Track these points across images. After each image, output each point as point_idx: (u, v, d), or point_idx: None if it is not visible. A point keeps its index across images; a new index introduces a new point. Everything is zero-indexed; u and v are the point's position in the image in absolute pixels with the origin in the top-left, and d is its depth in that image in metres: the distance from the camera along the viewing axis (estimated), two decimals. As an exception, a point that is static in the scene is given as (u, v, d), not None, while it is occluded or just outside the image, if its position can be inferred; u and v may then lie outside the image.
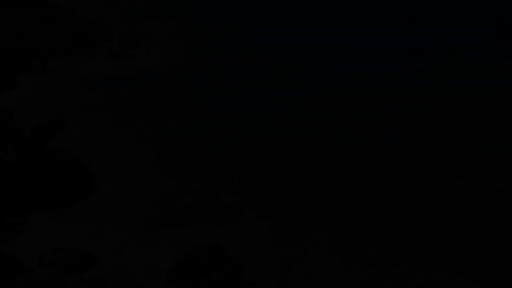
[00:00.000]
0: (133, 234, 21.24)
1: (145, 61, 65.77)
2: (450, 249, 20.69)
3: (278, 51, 77.28)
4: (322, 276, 18.69)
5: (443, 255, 20.15)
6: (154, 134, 33.90)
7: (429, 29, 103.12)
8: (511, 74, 60.99)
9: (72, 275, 17.10)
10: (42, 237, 20.96)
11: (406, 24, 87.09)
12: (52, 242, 20.34)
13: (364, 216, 23.37)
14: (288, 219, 22.74)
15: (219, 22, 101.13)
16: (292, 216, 23.13)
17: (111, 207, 23.55)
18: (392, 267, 19.26)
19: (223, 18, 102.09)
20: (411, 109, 43.56)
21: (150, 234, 21.30)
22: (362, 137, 34.96)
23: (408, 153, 31.89)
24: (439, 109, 43.87)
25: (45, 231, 21.41)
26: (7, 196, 22.89)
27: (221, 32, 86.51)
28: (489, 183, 27.56)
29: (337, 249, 20.45)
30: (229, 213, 23.22)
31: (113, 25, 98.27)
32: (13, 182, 23.49)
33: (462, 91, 51.84)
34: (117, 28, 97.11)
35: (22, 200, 23.17)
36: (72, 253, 18.69)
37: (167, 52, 73.62)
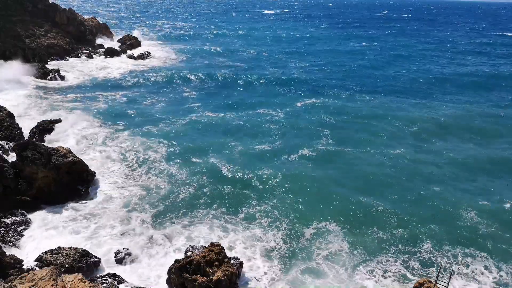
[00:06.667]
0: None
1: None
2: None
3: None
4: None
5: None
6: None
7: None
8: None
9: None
10: (42, 237, 20.95)
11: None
12: (52, 242, 20.34)
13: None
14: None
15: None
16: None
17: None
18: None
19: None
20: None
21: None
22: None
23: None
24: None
25: (45, 231, 21.40)
26: (7, 196, 22.87)
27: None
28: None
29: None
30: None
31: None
32: (13, 181, 23.47)
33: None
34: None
35: (22, 200, 23.14)
36: (72, 253, 18.69)
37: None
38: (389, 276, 19.09)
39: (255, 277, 18.80)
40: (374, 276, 19.21)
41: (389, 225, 22.77)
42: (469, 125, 38.39)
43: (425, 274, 19.31)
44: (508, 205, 25.23)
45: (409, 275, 19.23)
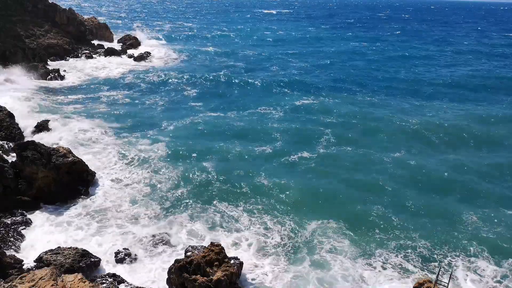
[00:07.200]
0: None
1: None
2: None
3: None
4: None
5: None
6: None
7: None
8: None
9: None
10: (42, 237, 20.94)
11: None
12: (52, 242, 20.34)
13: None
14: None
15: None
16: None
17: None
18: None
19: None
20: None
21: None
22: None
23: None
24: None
25: (45, 231, 21.38)
26: (7, 196, 22.85)
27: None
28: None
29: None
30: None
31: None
32: (13, 181, 23.45)
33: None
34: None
35: (22, 200, 23.12)
36: (72, 253, 18.68)
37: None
38: (389, 271, 19.10)
39: (260, 273, 18.97)
40: (375, 267, 19.50)
41: (390, 225, 22.72)
42: (472, 128, 37.72)
43: (426, 268, 19.49)
44: (509, 209, 25.12)
45: (410, 269, 19.41)
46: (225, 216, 23.06)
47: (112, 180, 26.58)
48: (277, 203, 24.45)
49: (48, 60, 57.90)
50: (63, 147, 26.23)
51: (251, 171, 28.22)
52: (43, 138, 31.06)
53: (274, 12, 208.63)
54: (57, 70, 51.84)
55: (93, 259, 18.68)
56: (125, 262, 19.39)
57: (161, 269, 18.93)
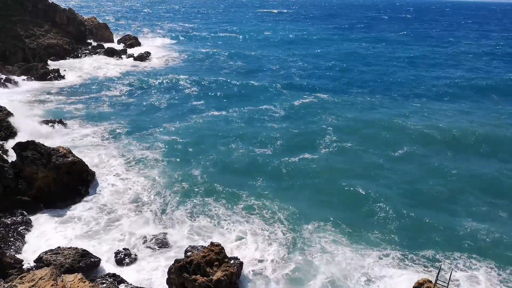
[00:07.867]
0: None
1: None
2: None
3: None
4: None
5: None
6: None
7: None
8: None
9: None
10: (42, 237, 20.93)
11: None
12: (52, 242, 20.33)
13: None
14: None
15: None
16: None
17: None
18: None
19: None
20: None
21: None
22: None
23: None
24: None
25: (45, 231, 21.37)
26: (7, 196, 22.85)
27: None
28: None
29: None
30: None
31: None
32: (13, 181, 23.44)
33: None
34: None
35: (22, 200, 23.11)
36: (72, 253, 18.67)
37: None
38: (389, 270, 19.08)
39: (261, 267, 19.14)
40: (374, 263, 19.66)
41: (390, 226, 22.71)
42: (473, 130, 37.16)
43: (426, 268, 19.52)
44: (509, 211, 25.04)
45: (410, 269, 19.40)
46: (225, 215, 23.09)
47: (112, 180, 26.55)
48: (278, 202, 24.46)
49: (48, 60, 57.95)
50: (63, 147, 26.22)
51: (252, 171, 28.26)
52: (43, 138, 31.06)
53: (275, 11, 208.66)
54: (57, 70, 51.84)
55: (93, 259, 18.67)
56: (125, 262, 19.37)
57: (161, 269, 18.92)
